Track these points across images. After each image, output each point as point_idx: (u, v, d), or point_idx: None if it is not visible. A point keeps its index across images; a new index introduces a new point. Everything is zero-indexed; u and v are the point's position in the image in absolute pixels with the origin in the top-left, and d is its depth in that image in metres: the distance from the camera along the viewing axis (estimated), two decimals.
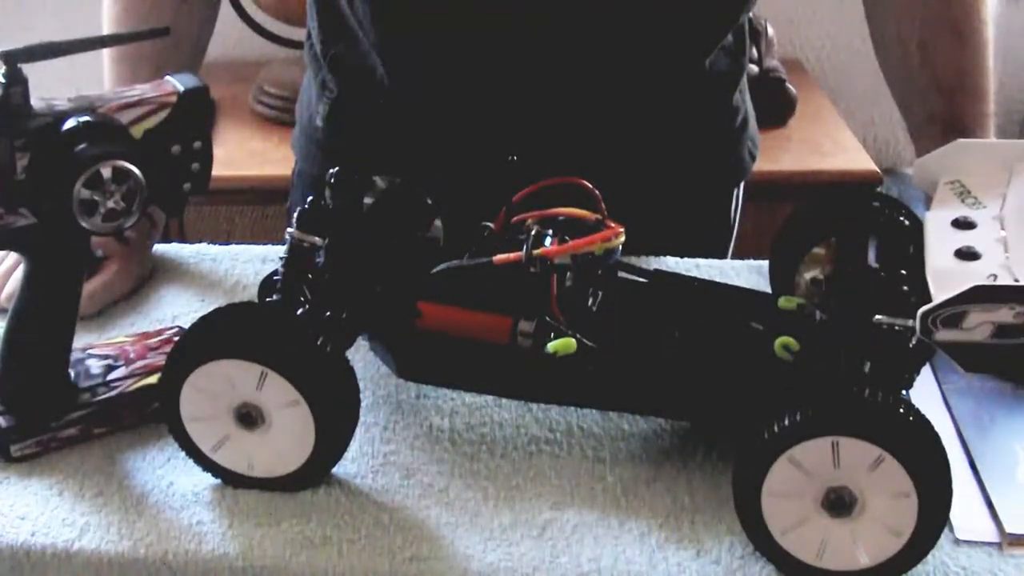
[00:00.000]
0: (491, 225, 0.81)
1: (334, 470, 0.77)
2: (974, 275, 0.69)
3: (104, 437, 0.81)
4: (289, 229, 0.78)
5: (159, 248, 1.05)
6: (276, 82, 1.88)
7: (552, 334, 0.76)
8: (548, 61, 0.90)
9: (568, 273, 0.78)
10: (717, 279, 0.84)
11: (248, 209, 1.72)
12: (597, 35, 0.90)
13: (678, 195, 1.06)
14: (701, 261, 1.03)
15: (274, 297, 0.79)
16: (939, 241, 0.74)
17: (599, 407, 0.82)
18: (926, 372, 0.86)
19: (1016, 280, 0.69)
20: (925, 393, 0.85)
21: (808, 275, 0.85)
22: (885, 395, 0.67)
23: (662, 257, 1.02)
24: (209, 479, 0.77)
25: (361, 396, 0.76)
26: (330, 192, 0.80)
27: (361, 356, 0.82)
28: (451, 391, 0.85)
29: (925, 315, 0.65)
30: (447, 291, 0.77)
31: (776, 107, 1.88)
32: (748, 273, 1.00)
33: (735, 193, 1.15)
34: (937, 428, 0.67)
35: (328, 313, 0.77)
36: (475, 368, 0.78)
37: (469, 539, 0.73)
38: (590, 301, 0.80)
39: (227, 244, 1.08)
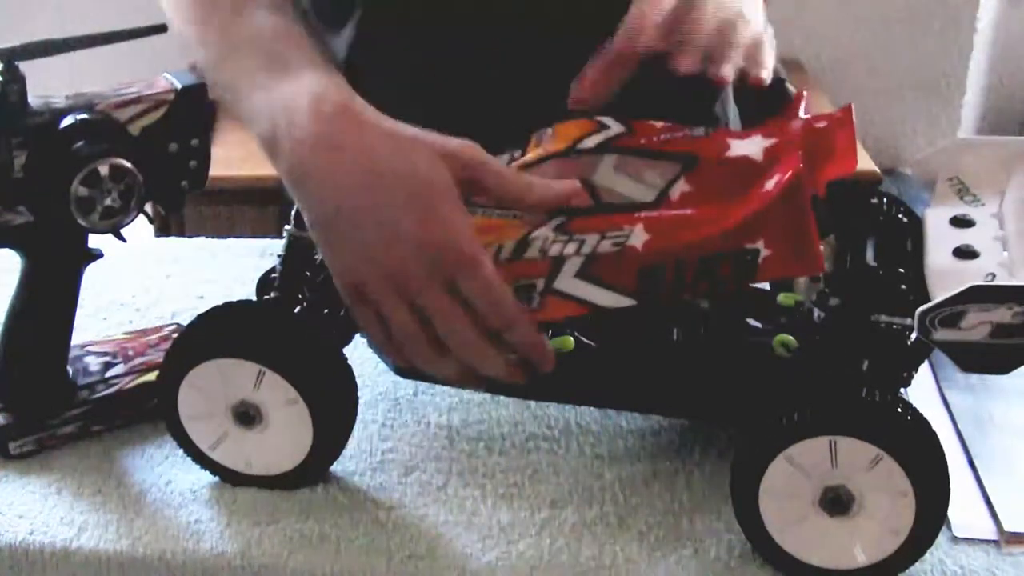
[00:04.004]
0: None
1: (332, 468, 0.77)
2: (972, 274, 0.69)
3: (102, 435, 0.81)
4: (287, 226, 0.77)
5: (158, 242, 1.05)
6: None
7: (550, 331, 0.76)
8: (540, 63, 0.91)
9: None
10: None
11: (248, 209, 1.72)
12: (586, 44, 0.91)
13: None
14: None
15: (272, 295, 0.79)
16: (938, 239, 0.74)
17: (597, 404, 0.82)
18: (925, 370, 0.86)
19: (1014, 279, 0.68)
20: (923, 391, 0.85)
21: None
22: (883, 394, 0.67)
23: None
24: (207, 477, 0.77)
25: (359, 393, 0.76)
26: None
27: (359, 353, 0.82)
28: (449, 388, 0.85)
29: (923, 315, 0.65)
30: None
31: (776, 107, 1.88)
32: None
33: None
34: (935, 426, 0.67)
35: (326, 310, 0.77)
36: None
37: (467, 537, 0.73)
38: None
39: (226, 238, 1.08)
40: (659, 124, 0.75)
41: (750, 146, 0.70)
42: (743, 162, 0.70)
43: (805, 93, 0.74)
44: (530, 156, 0.74)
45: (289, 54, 0.76)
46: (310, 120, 0.71)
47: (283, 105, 0.73)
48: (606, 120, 0.75)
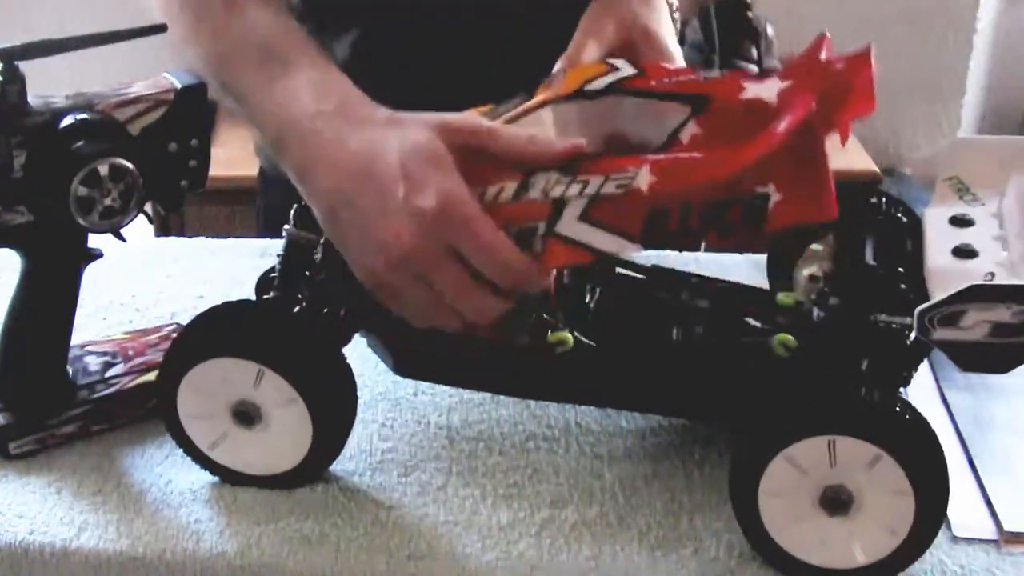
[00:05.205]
0: None
1: (332, 467, 0.77)
2: (971, 273, 0.69)
3: (102, 434, 0.81)
4: (286, 226, 0.78)
5: (158, 242, 1.05)
6: None
7: (549, 331, 0.76)
8: (540, 63, 0.91)
9: (566, 270, 0.78)
10: (716, 273, 0.84)
11: (248, 209, 1.72)
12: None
13: None
14: (701, 255, 1.03)
15: (271, 294, 0.79)
16: (937, 238, 0.74)
17: (597, 404, 0.82)
18: (925, 370, 0.86)
19: (1013, 278, 0.68)
20: (923, 391, 0.85)
21: (806, 271, 0.84)
22: (882, 393, 0.67)
23: (661, 250, 1.02)
24: (207, 477, 0.77)
25: (359, 393, 0.76)
26: None
27: (359, 353, 0.82)
28: (449, 388, 0.85)
29: (922, 314, 0.65)
30: None
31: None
32: (747, 267, 1.00)
33: None
34: (935, 426, 0.67)
35: (325, 310, 0.77)
36: (473, 365, 0.78)
37: (467, 537, 0.73)
38: (588, 298, 0.80)
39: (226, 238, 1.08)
40: (671, 67, 0.74)
41: (765, 89, 0.69)
42: (756, 104, 0.68)
43: (827, 35, 0.70)
44: (538, 99, 0.73)
45: (286, 51, 0.77)
46: (312, 116, 0.72)
47: (285, 104, 0.74)
48: (618, 62, 0.74)
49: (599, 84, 0.72)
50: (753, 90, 0.69)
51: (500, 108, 0.74)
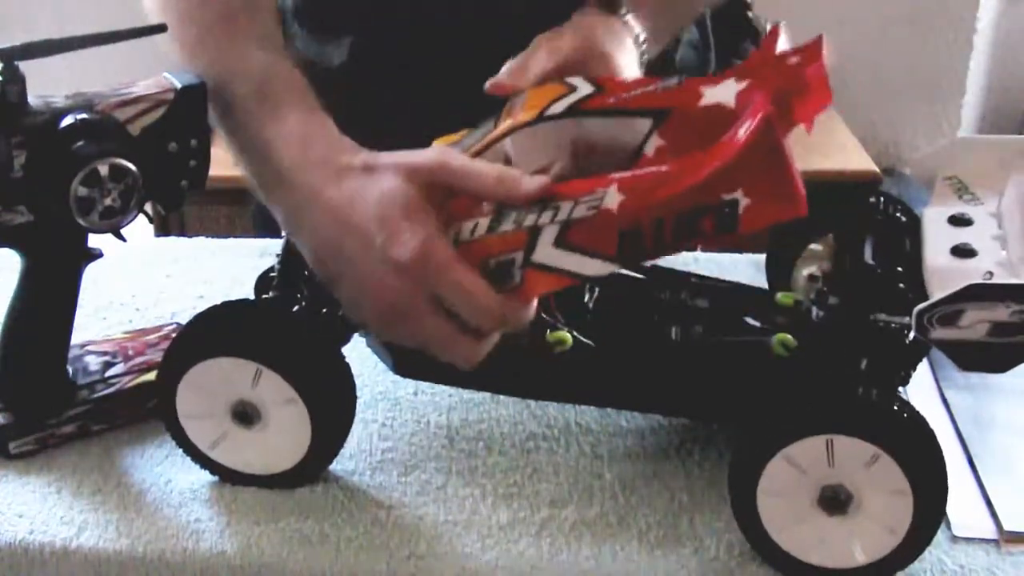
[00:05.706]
0: None
1: (332, 467, 0.77)
2: (970, 272, 0.69)
3: (102, 434, 0.81)
4: None
5: (158, 242, 1.05)
6: None
7: (549, 331, 0.76)
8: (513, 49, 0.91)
9: None
10: (715, 273, 0.84)
11: (248, 209, 1.72)
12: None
13: None
14: (700, 254, 1.03)
15: (270, 294, 0.79)
16: (936, 238, 0.74)
17: (596, 404, 0.82)
18: (924, 369, 0.86)
19: (1012, 278, 0.69)
20: (923, 390, 0.85)
21: (805, 271, 0.85)
22: (881, 393, 0.67)
23: None
24: (207, 477, 0.77)
25: (358, 393, 0.76)
26: None
27: (359, 353, 0.82)
28: (449, 388, 0.85)
29: (921, 313, 0.65)
30: None
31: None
32: (746, 266, 1.00)
33: None
34: (935, 425, 0.67)
35: (324, 310, 0.77)
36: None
37: (467, 537, 0.73)
38: (587, 297, 0.80)
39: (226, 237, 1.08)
40: (630, 79, 0.73)
41: (722, 92, 0.68)
42: (716, 110, 0.68)
43: (782, 25, 0.71)
44: (501, 129, 0.72)
45: (279, 93, 0.78)
46: (298, 167, 0.73)
47: (273, 148, 0.75)
48: (575, 81, 0.73)
49: (559, 107, 0.72)
50: (711, 95, 0.69)
51: (468, 140, 0.74)
